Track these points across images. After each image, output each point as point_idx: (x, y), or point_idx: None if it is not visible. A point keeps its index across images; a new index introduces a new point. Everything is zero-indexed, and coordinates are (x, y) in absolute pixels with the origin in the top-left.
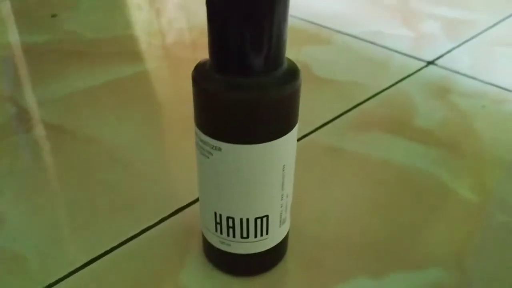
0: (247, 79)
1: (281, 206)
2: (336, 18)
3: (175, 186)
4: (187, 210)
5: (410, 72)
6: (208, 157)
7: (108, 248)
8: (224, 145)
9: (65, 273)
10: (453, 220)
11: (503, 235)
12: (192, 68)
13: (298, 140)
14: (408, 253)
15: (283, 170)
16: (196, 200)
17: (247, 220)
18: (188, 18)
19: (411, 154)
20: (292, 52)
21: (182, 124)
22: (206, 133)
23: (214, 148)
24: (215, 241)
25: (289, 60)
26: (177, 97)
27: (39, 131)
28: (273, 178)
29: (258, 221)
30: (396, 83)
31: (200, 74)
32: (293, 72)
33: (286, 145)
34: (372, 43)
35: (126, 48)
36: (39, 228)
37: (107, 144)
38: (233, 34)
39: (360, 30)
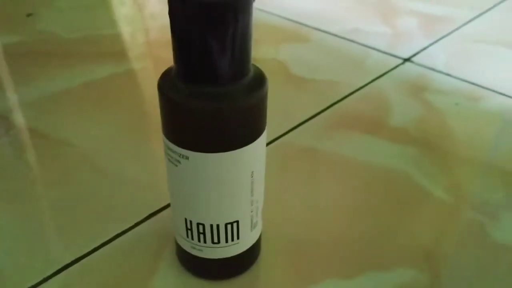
0: (212, 88)
1: (252, 211)
2: (315, 15)
3: (149, 190)
4: (161, 214)
5: (387, 69)
6: (176, 165)
7: (82, 253)
8: (192, 154)
9: (37, 281)
10: (426, 220)
11: (475, 235)
12: None
13: (274, 140)
14: (380, 253)
15: (252, 177)
16: (170, 205)
17: (217, 226)
18: None
19: (385, 154)
20: (270, 50)
21: (158, 128)
22: (173, 141)
23: (181, 156)
24: (187, 246)
25: (256, 67)
26: (154, 99)
27: (14, 135)
28: (242, 185)
29: (229, 226)
30: (373, 81)
31: (165, 82)
32: (259, 80)
33: (254, 152)
34: (350, 40)
35: (104, 48)
36: (10, 234)
37: (81, 148)
38: (197, 44)
39: (339, 27)
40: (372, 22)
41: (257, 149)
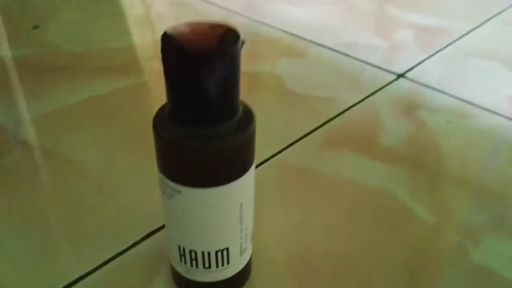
0: (202, 129)
1: (241, 238)
2: (313, 27)
3: (148, 209)
4: (158, 233)
5: (381, 85)
6: (170, 198)
7: (82, 273)
8: (183, 189)
9: None
10: (410, 241)
11: (457, 256)
12: None
13: (268, 159)
14: (364, 274)
15: (241, 207)
16: None
17: (208, 253)
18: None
19: (375, 174)
20: (269, 65)
21: None
22: (166, 176)
23: (174, 190)
24: (181, 270)
25: (244, 104)
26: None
27: (20, 152)
28: (232, 216)
29: (219, 253)
30: (366, 97)
31: (159, 121)
32: (247, 118)
33: (243, 186)
34: (345, 55)
35: (108, 62)
36: (12, 250)
37: (83, 165)
38: (187, 89)
39: (335, 40)
40: (369, 35)
41: (246, 182)
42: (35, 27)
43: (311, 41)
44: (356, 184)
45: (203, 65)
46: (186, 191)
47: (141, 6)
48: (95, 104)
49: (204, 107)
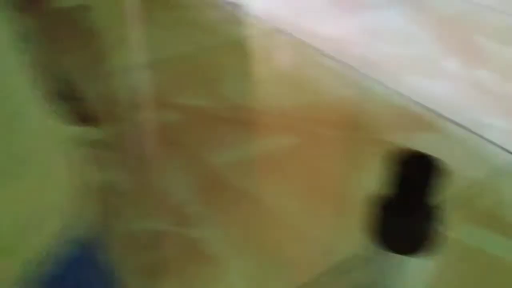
0: (405, 219)
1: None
2: (443, 101)
3: (329, 248)
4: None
5: (504, 166)
6: (374, 256)
7: None
8: (386, 253)
9: None
10: None
11: None
12: (340, 147)
13: None
14: None
15: (418, 271)
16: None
17: None
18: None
19: (498, 246)
20: (403, 138)
21: (341, 198)
22: (374, 242)
23: (379, 252)
24: None
25: (434, 201)
26: (338, 175)
27: (230, 195)
28: (410, 274)
29: None
30: (491, 176)
31: (382, 205)
32: (435, 212)
33: (419, 261)
34: (473, 132)
35: (273, 120)
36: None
37: (273, 207)
38: (407, 196)
39: (463, 117)
40: (494, 114)
41: (421, 259)
42: (215, 79)
43: (441, 116)
44: (481, 252)
45: (421, 183)
46: (385, 254)
47: (292, 67)
48: (272, 157)
49: (415, 207)
